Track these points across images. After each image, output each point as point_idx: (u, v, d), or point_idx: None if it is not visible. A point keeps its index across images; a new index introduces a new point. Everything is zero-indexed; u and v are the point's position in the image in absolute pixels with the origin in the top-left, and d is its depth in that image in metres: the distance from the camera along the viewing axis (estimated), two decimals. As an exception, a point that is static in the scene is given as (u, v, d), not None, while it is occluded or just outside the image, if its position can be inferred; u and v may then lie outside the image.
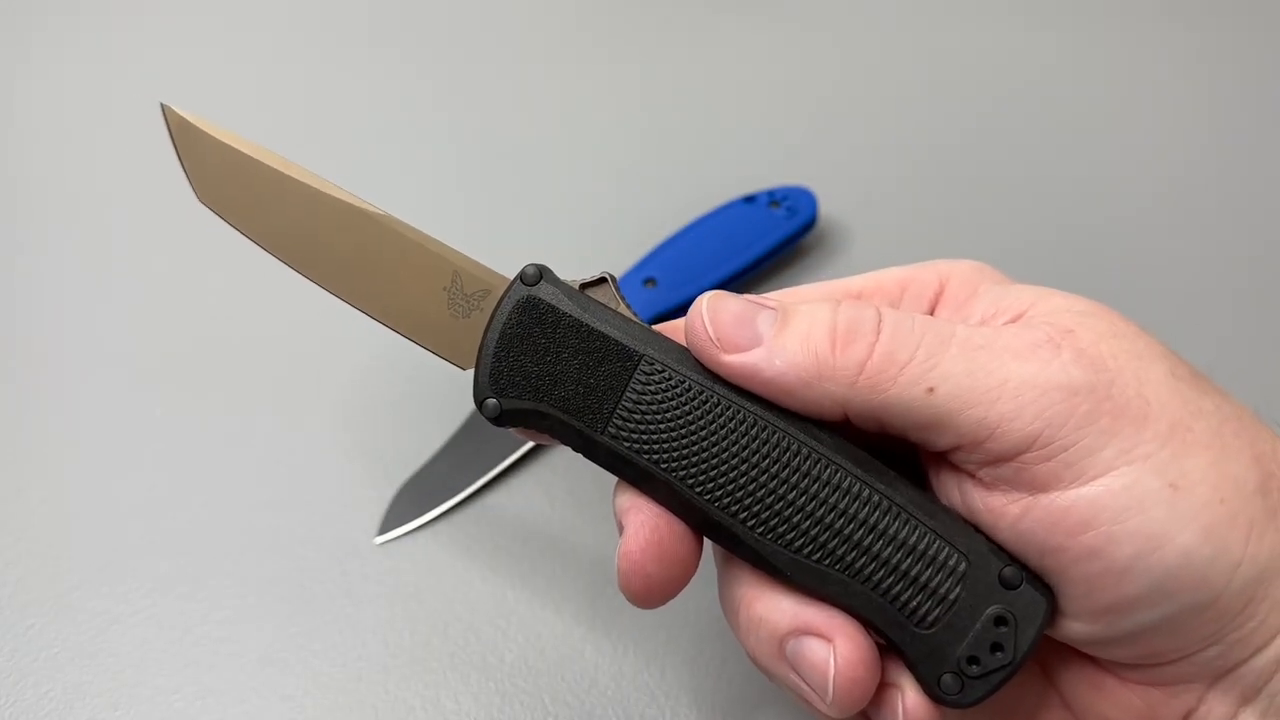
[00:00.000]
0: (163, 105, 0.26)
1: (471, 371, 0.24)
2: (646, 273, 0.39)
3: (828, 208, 0.43)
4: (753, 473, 0.23)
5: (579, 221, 0.45)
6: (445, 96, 0.52)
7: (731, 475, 0.23)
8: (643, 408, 0.23)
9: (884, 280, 0.26)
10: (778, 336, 0.22)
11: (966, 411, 0.21)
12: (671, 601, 0.31)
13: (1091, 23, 0.56)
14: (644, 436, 0.23)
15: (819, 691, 0.22)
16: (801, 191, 0.42)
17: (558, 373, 0.24)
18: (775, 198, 0.42)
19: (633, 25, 0.57)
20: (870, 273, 0.26)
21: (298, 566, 0.33)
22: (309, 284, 0.43)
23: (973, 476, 0.22)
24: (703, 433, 0.23)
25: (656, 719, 0.29)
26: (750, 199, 0.42)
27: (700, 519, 0.23)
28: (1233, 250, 0.43)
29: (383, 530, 0.34)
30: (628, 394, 0.23)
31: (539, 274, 0.25)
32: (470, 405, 0.37)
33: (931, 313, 0.25)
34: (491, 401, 0.24)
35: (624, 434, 0.23)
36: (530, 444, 0.35)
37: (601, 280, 0.25)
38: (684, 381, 0.23)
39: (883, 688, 0.23)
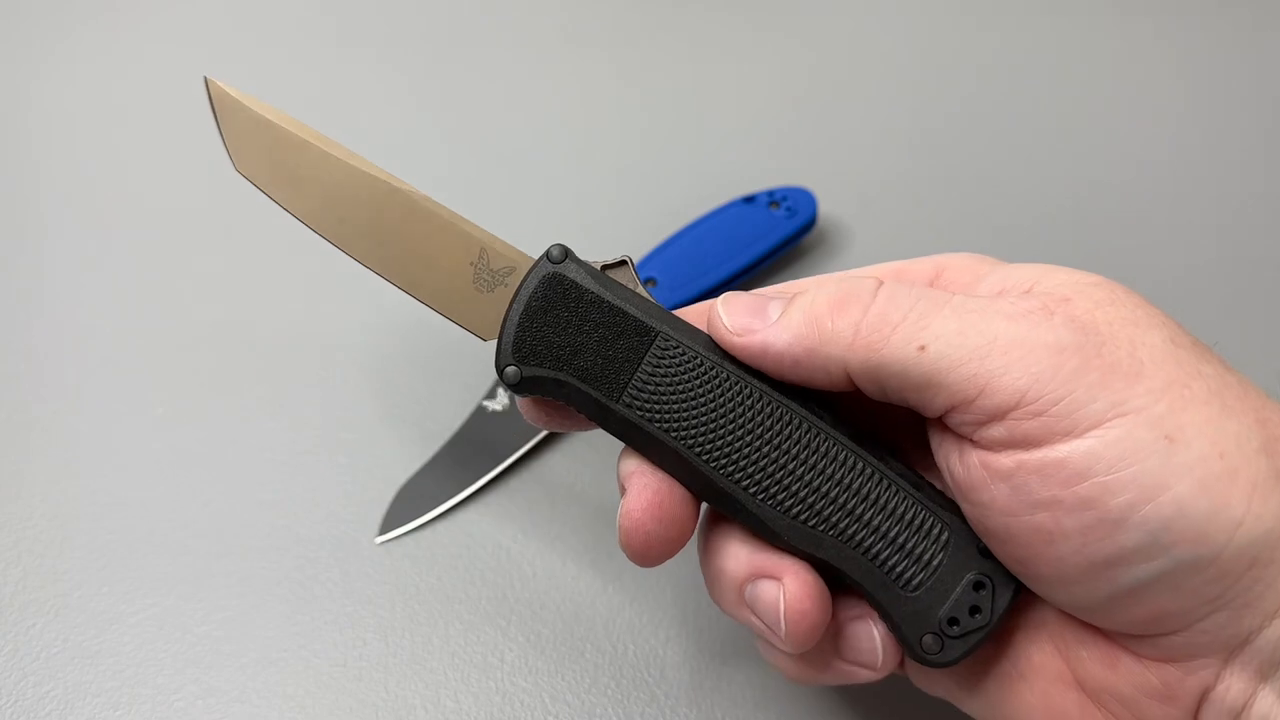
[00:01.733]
0: (206, 79, 0.27)
1: (492, 343, 0.26)
2: (647, 273, 0.39)
3: (827, 208, 0.43)
4: (756, 443, 0.24)
5: (580, 221, 0.45)
6: (445, 98, 0.52)
7: (736, 444, 0.24)
8: (656, 379, 0.25)
9: (880, 271, 0.27)
10: (783, 315, 0.24)
11: (957, 369, 0.22)
12: (671, 602, 0.32)
13: (1090, 20, 0.56)
14: (656, 405, 0.24)
15: (773, 627, 0.23)
16: (801, 192, 0.42)
17: (578, 344, 0.25)
18: (775, 198, 0.42)
19: (633, 26, 0.57)
20: (867, 266, 0.27)
21: (298, 566, 0.33)
22: (309, 285, 0.43)
23: (970, 440, 0.22)
24: (711, 404, 0.24)
25: (656, 718, 0.29)
26: (750, 199, 0.42)
27: (703, 485, 0.24)
28: (1233, 249, 0.43)
29: (383, 530, 0.34)
30: (643, 366, 0.25)
31: (564, 253, 0.26)
32: (470, 406, 0.37)
33: None
34: (512, 369, 0.25)
35: (638, 403, 0.24)
36: (530, 444, 0.35)
37: (621, 263, 0.26)
38: (696, 357, 0.25)
39: (850, 623, 0.25)
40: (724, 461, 0.24)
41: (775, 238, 0.41)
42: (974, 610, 0.23)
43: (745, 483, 0.24)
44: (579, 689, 0.30)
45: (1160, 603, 0.21)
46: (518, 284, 0.26)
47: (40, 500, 0.35)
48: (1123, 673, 0.23)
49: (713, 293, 0.40)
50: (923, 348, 0.22)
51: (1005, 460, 0.22)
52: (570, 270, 0.25)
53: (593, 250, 0.43)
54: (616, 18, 0.58)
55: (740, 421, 0.24)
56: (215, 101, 0.27)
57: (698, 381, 0.24)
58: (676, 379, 0.25)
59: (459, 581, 0.32)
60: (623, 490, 0.25)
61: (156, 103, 0.53)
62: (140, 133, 0.51)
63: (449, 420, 0.37)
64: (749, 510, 0.24)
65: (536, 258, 0.26)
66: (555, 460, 0.36)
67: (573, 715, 0.29)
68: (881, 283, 0.24)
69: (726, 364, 0.25)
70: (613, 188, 0.47)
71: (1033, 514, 0.22)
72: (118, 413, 0.37)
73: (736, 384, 0.24)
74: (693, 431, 0.24)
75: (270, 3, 0.60)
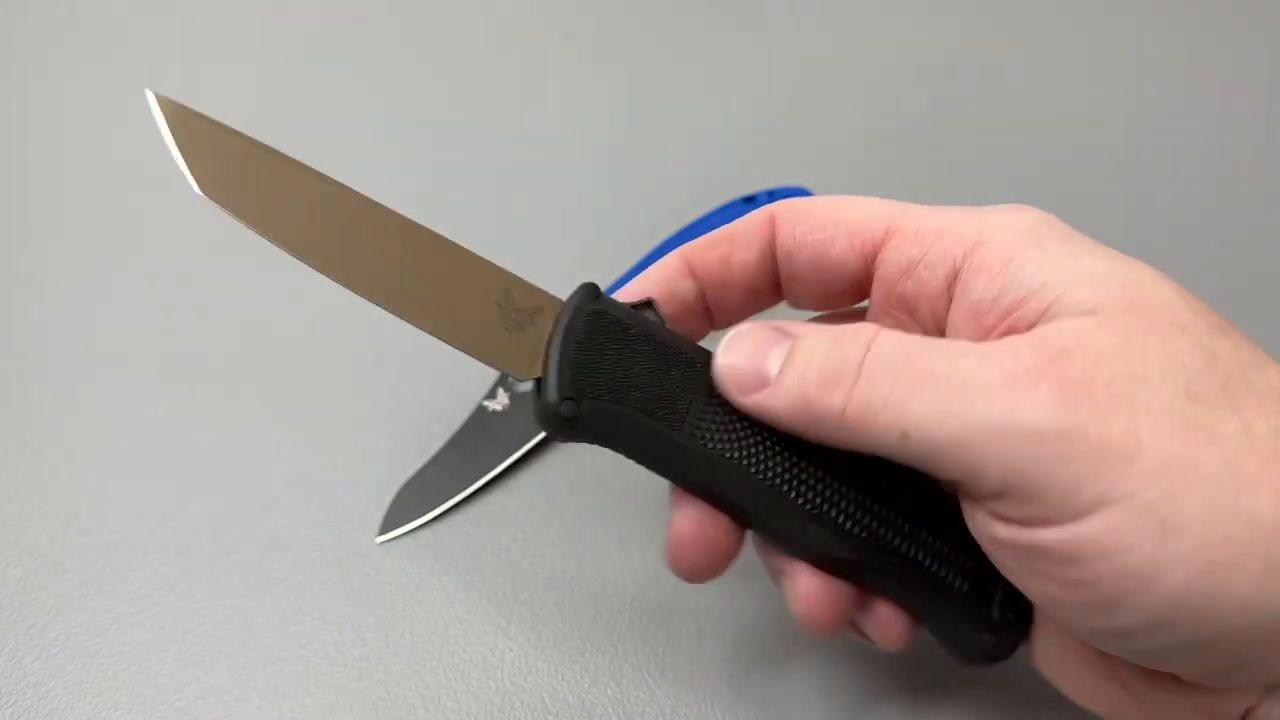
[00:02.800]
0: (151, 95, 0.24)
1: (536, 372, 0.25)
2: (646, 273, 0.39)
3: (827, 208, 0.43)
4: (812, 460, 0.24)
5: (579, 222, 0.45)
6: (445, 98, 0.52)
7: (795, 466, 0.24)
8: (713, 407, 0.24)
9: (927, 223, 0.24)
10: (780, 376, 0.23)
11: (939, 458, 0.21)
12: (672, 602, 0.32)
13: (1089, 21, 0.56)
14: (717, 432, 0.24)
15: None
16: (800, 192, 0.42)
17: (631, 378, 0.24)
18: (775, 198, 0.42)
19: (632, 27, 0.57)
20: (922, 207, 0.25)
21: (298, 566, 0.33)
22: (310, 284, 0.43)
23: (976, 504, 0.22)
24: (768, 431, 0.24)
25: (656, 718, 0.29)
26: (749, 199, 0.42)
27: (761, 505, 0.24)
28: (1235, 249, 0.43)
29: (383, 530, 0.34)
30: (699, 395, 0.24)
31: (597, 291, 0.25)
32: (470, 406, 0.37)
33: (953, 278, 0.23)
34: (569, 404, 0.24)
35: (699, 431, 0.24)
36: (531, 444, 0.35)
37: (648, 303, 0.26)
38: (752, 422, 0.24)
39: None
40: (789, 483, 0.24)
41: (775, 238, 0.41)
42: (1015, 603, 0.24)
43: (804, 503, 0.24)
44: (579, 689, 0.30)
45: (1176, 666, 0.21)
46: (549, 323, 0.25)
47: (40, 500, 0.35)
48: (1161, 689, 0.23)
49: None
50: (905, 435, 0.21)
51: (1003, 532, 0.21)
52: (610, 307, 0.25)
53: (593, 250, 0.43)
54: (615, 19, 0.58)
55: (797, 444, 0.24)
56: (167, 119, 0.24)
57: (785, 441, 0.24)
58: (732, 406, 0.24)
59: (459, 581, 0.32)
60: (673, 508, 0.25)
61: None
62: (142, 133, 0.51)
63: (449, 420, 0.37)
64: (802, 538, 0.24)
65: (565, 297, 0.25)
66: (556, 460, 0.36)
67: (572, 715, 0.30)
68: (866, 353, 0.22)
69: None
70: (613, 188, 0.47)
71: (1034, 582, 0.21)
72: (119, 412, 0.37)
73: None
74: (755, 457, 0.24)
75: (237, 10, 0.60)
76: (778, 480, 0.24)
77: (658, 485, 0.35)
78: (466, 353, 0.25)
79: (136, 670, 0.30)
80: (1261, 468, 0.19)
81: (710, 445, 0.24)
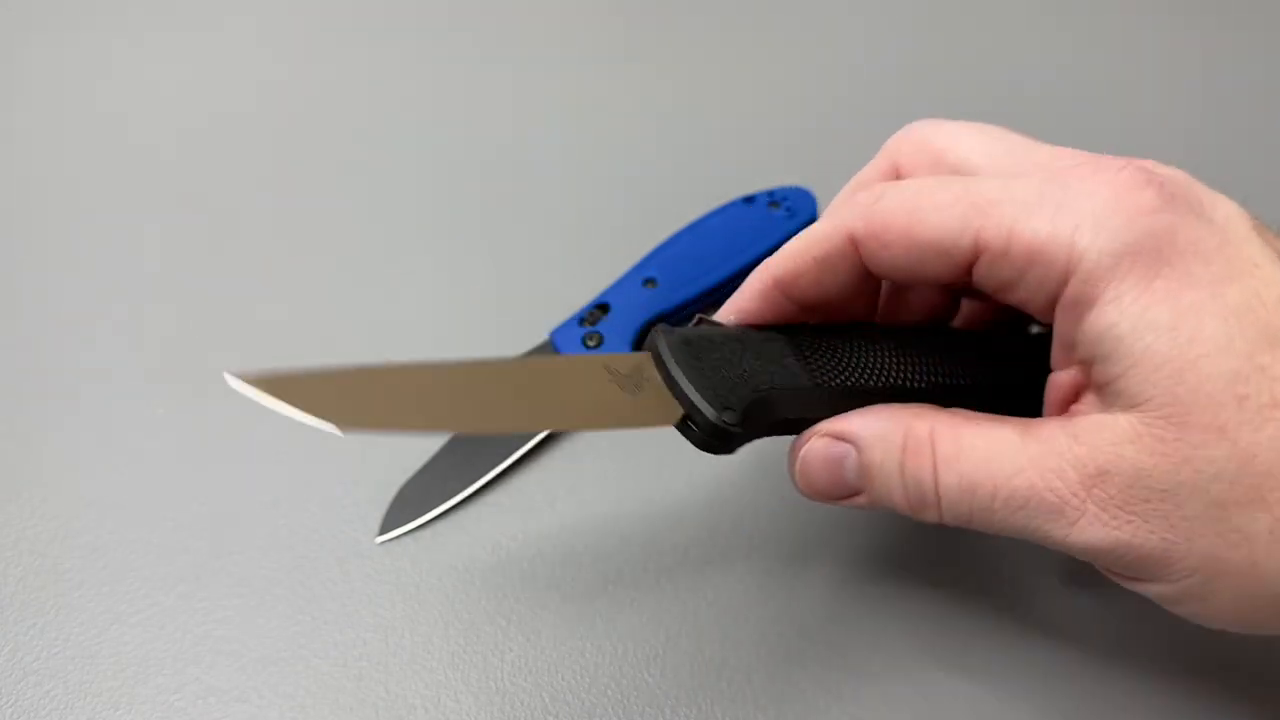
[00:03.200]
0: (233, 379, 0.23)
1: (677, 421, 0.26)
2: (647, 273, 0.39)
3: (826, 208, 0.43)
4: (909, 351, 0.28)
5: (579, 222, 0.45)
6: (442, 100, 0.53)
7: (896, 363, 0.28)
8: (815, 349, 0.27)
9: (1015, 237, 0.23)
10: (869, 492, 0.26)
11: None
12: (672, 601, 0.32)
13: (1092, 23, 0.57)
14: (829, 366, 0.27)
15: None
16: (800, 192, 0.42)
17: (746, 368, 0.27)
18: (774, 198, 0.42)
19: (632, 30, 0.57)
20: (999, 195, 0.23)
21: (299, 566, 0.33)
22: (311, 285, 0.43)
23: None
24: (857, 341, 0.28)
25: (656, 718, 0.29)
26: (750, 199, 0.42)
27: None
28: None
29: (383, 530, 0.34)
30: (795, 351, 0.27)
31: (669, 327, 0.27)
32: (470, 405, 0.37)
33: (1051, 305, 0.23)
34: (729, 412, 0.26)
35: (818, 375, 0.27)
36: (530, 445, 0.35)
37: (699, 319, 0.28)
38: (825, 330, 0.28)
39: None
40: (891, 377, 0.27)
41: (775, 238, 0.41)
42: None
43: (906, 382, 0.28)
44: (579, 689, 0.30)
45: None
46: (654, 372, 0.27)
47: (40, 500, 0.35)
48: None
49: (713, 293, 0.40)
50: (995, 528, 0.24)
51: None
52: (687, 333, 0.27)
53: (594, 251, 0.43)
54: (614, 21, 0.58)
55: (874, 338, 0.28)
56: (266, 390, 0.24)
57: (842, 337, 0.28)
58: (827, 344, 0.28)
59: (459, 581, 0.32)
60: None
61: (161, 105, 0.53)
62: (145, 134, 0.51)
63: (449, 420, 0.37)
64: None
65: (653, 342, 0.27)
66: (555, 461, 0.36)
67: (573, 715, 0.29)
68: (936, 467, 0.24)
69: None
70: (613, 189, 0.47)
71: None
72: (119, 413, 0.37)
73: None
74: (862, 372, 0.27)
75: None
76: (890, 379, 0.27)
77: (656, 485, 0.35)
78: (615, 429, 0.27)
79: (136, 670, 0.30)
80: None
81: (835, 380, 0.27)
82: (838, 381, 0.27)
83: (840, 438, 0.26)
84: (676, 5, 0.58)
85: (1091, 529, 0.22)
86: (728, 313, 0.28)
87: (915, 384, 0.28)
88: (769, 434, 0.27)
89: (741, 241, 0.40)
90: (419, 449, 0.36)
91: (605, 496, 0.35)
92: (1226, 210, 0.22)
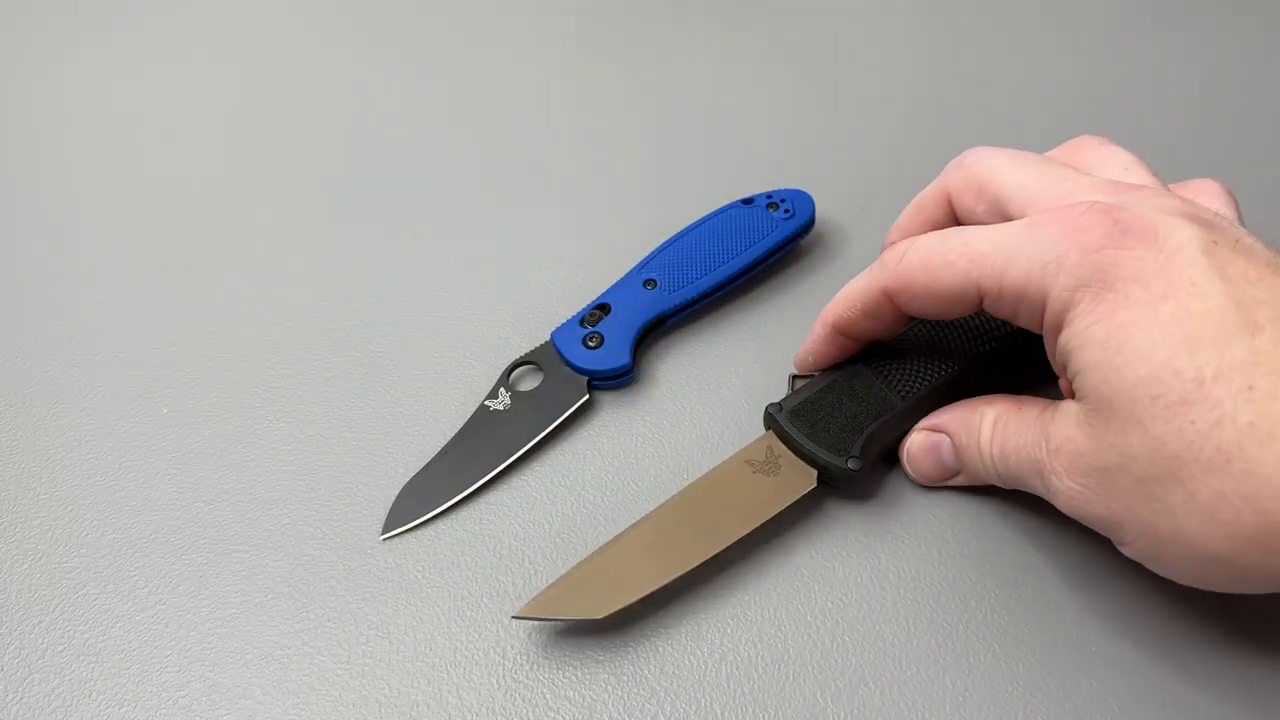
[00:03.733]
0: (515, 618, 0.31)
1: (816, 481, 0.33)
2: (647, 274, 0.40)
3: (825, 210, 0.44)
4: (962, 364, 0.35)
5: (581, 224, 0.45)
6: (444, 101, 0.53)
7: (951, 368, 0.35)
8: (892, 369, 0.35)
9: (1004, 279, 0.28)
10: (966, 470, 0.33)
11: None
12: (672, 599, 0.32)
13: (1092, 27, 0.57)
14: (909, 385, 0.34)
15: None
16: (799, 194, 0.42)
17: (844, 412, 0.34)
18: (774, 200, 0.42)
19: (631, 31, 0.57)
20: (987, 245, 0.29)
21: (302, 564, 0.33)
22: (312, 285, 0.43)
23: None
24: (922, 356, 0.35)
25: (656, 714, 0.30)
26: (749, 201, 0.42)
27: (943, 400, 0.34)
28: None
29: (387, 528, 0.34)
30: (879, 378, 0.34)
31: (775, 405, 0.34)
32: (472, 405, 0.37)
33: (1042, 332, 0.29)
34: (853, 459, 0.33)
35: (901, 394, 0.34)
36: (532, 443, 0.36)
37: (794, 377, 0.36)
38: (895, 346, 0.35)
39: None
40: (945, 368, 0.35)
41: (774, 239, 0.41)
42: None
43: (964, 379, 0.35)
44: (580, 684, 0.30)
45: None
46: (780, 446, 0.34)
47: (46, 499, 0.35)
48: None
49: (713, 293, 0.40)
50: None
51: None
52: (788, 403, 0.34)
53: (594, 252, 0.43)
54: (615, 22, 0.58)
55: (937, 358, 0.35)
56: (545, 612, 0.30)
57: (910, 347, 0.35)
58: (901, 361, 0.35)
59: (461, 579, 0.33)
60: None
61: (167, 107, 0.53)
62: (150, 136, 0.51)
63: (452, 419, 0.37)
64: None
65: (766, 425, 0.35)
66: (557, 459, 0.36)
67: (574, 711, 0.30)
68: (996, 411, 0.31)
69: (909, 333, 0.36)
70: (614, 191, 0.47)
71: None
72: (123, 413, 0.38)
73: (925, 332, 0.36)
74: (918, 379, 0.34)
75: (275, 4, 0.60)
76: (949, 370, 0.34)
77: (655, 484, 0.35)
78: (778, 512, 0.32)
79: (140, 668, 0.31)
80: (1200, 528, 0.25)
81: (911, 395, 0.34)
82: (918, 390, 0.34)
83: (935, 429, 0.33)
84: (676, 7, 0.59)
85: (1062, 489, 0.28)
86: (804, 357, 0.36)
87: (961, 367, 0.35)
88: (882, 454, 0.34)
89: (740, 243, 0.41)
90: (421, 448, 0.36)
91: (605, 494, 0.35)
92: (1180, 238, 0.26)
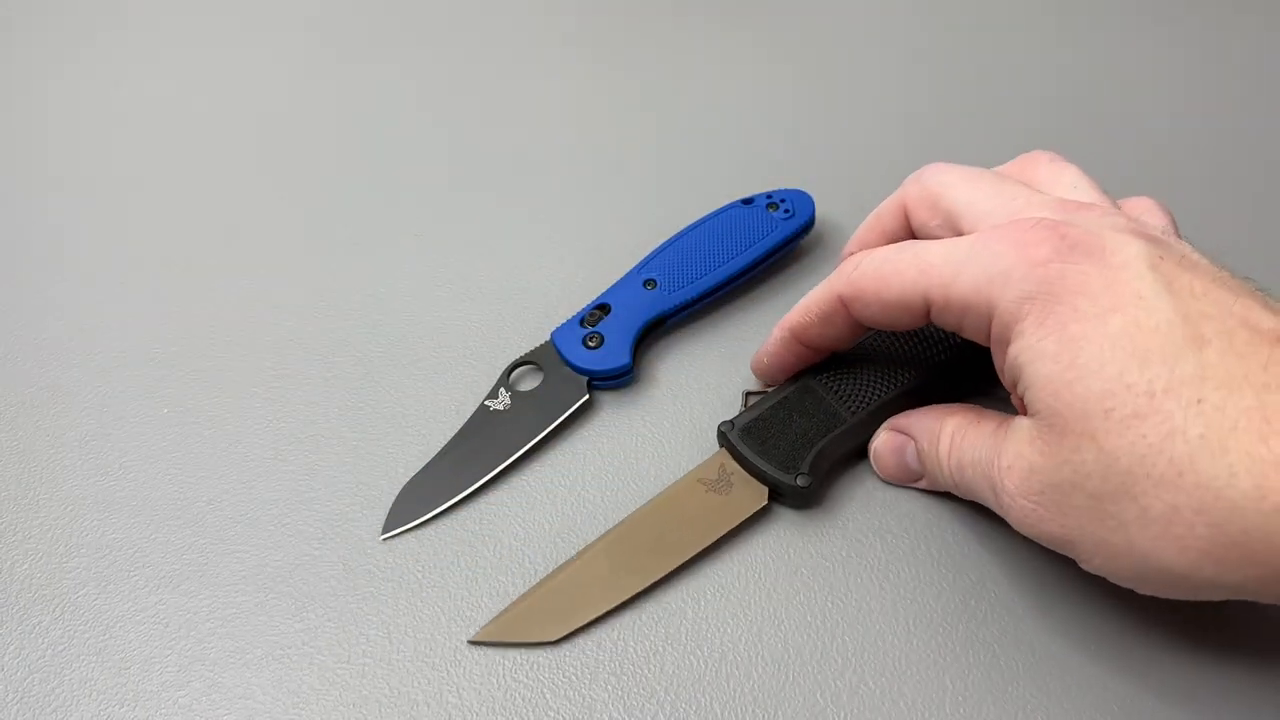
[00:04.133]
0: (470, 642, 0.31)
1: (767, 498, 0.33)
2: (647, 274, 0.40)
3: (825, 210, 0.44)
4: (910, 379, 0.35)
5: (581, 224, 0.45)
6: (444, 101, 0.53)
7: (900, 383, 0.35)
8: (837, 385, 0.35)
9: (951, 292, 0.29)
10: (929, 476, 0.33)
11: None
12: (672, 599, 0.32)
13: (1091, 28, 0.57)
14: (853, 398, 0.35)
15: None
16: (799, 194, 0.43)
17: (795, 428, 0.34)
18: (773, 200, 0.42)
19: (630, 31, 0.58)
20: (937, 256, 0.29)
21: (303, 564, 0.33)
22: (313, 285, 0.43)
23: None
24: (872, 370, 0.35)
25: (656, 713, 0.30)
26: (749, 201, 0.42)
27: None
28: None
29: (387, 528, 0.34)
30: (829, 393, 0.35)
31: (728, 423, 0.35)
32: (472, 405, 0.37)
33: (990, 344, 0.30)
34: (802, 475, 0.33)
35: (849, 408, 0.35)
36: (532, 443, 0.36)
37: (747, 394, 0.37)
38: (847, 360, 0.36)
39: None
40: (897, 381, 0.35)
41: (774, 239, 0.41)
42: None
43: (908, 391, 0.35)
44: (579, 684, 0.30)
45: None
46: (732, 464, 0.34)
47: (47, 499, 0.35)
48: None
49: (713, 293, 0.40)
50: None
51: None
52: (740, 420, 0.35)
53: (595, 252, 0.43)
54: (614, 22, 0.58)
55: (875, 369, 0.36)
56: (500, 636, 0.31)
57: (858, 361, 0.36)
58: (848, 373, 0.35)
59: (462, 579, 0.33)
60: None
61: (167, 108, 0.53)
62: (150, 136, 0.51)
63: (452, 419, 0.37)
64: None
65: (719, 444, 0.35)
66: (557, 459, 0.36)
67: (574, 711, 0.30)
68: (956, 421, 0.31)
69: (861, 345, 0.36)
70: (614, 191, 0.47)
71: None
72: (123, 413, 0.38)
73: (872, 347, 0.36)
74: (873, 396, 0.35)
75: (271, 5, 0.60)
76: (901, 383, 0.35)
77: (655, 484, 0.35)
78: (730, 529, 0.33)
79: (141, 667, 0.31)
80: (1154, 543, 0.25)
81: (861, 410, 0.34)
82: (867, 406, 0.34)
83: (900, 430, 0.34)
84: (676, 7, 0.59)
85: (1015, 508, 0.28)
86: (759, 359, 0.36)
87: (913, 379, 0.35)
88: (834, 467, 0.35)
89: (740, 243, 0.41)
90: (421, 448, 0.36)
91: (605, 495, 0.35)
92: (1127, 253, 0.26)
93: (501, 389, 0.37)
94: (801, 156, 0.49)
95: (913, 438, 0.33)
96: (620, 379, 0.38)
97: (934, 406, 0.33)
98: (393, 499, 0.35)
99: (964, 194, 0.32)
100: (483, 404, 0.37)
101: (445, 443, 0.36)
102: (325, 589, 0.32)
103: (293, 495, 0.35)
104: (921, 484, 0.34)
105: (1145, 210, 0.32)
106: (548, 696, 0.30)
